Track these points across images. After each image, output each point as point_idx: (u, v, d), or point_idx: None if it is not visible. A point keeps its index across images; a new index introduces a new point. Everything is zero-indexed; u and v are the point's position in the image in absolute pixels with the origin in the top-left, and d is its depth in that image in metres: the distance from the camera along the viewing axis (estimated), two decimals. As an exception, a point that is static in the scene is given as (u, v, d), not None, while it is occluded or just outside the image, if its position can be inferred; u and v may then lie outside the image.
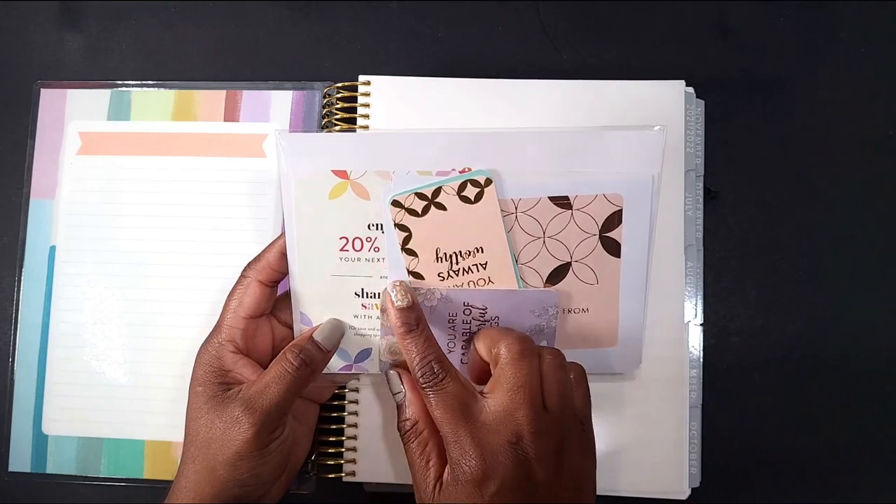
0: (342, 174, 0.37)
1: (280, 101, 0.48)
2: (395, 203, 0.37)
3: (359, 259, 0.39)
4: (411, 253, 0.38)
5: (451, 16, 0.50)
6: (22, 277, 0.48)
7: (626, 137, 0.36)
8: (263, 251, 0.40)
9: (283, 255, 0.39)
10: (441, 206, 0.37)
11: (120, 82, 0.49)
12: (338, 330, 0.39)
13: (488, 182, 0.37)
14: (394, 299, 0.37)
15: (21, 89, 0.50)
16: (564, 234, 0.38)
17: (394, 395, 0.38)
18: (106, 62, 0.51)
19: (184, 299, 0.47)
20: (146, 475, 0.46)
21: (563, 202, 0.37)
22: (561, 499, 0.34)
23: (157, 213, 0.48)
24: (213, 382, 0.37)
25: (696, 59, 0.49)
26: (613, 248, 0.38)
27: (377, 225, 0.38)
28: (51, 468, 0.47)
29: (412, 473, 0.36)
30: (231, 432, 0.36)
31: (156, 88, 0.49)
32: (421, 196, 0.37)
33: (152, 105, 0.49)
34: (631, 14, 0.49)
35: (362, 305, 0.40)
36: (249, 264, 0.39)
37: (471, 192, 0.37)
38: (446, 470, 0.34)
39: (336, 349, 0.39)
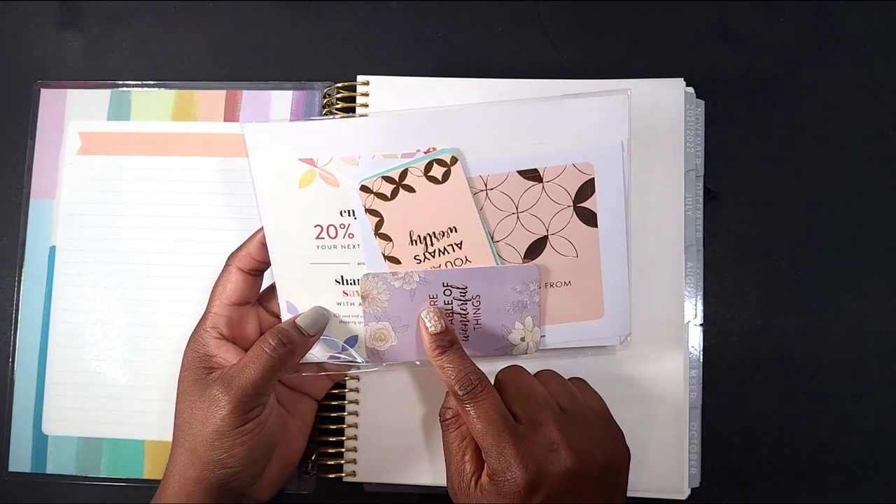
0: (309, 162, 0.38)
1: (280, 101, 0.48)
2: (364, 188, 0.37)
3: (335, 246, 0.39)
4: (385, 237, 0.38)
5: (451, 16, 0.50)
6: (22, 277, 0.48)
7: (589, 104, 0.36)
8: (245, 241, 0.40)
9: (264, 245, 0.39)
10: (409, 189, 0.37)
11: (120, 82, 0.50)
12: (322, 317, 0.40)
13: (454, 160, 0.37)
14: (427, 325, 0.38)
15: (21, 89, 0.50)
16: (538, 207, 0.38)
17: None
18: (106, 62, 0.51)
19: (184, 299, 0.47)
20: (146, 475, 0.46)
21: (532, 175, 0.37)
22: (599, 497, 0.35)
23: (157, 213, 0.48)
24: (198, 367, 0.38)
25: (696, 59, 0.49)
26: (589, 218, 0.38)
27: (349, 211, 0.38)
28: (51, 468, 0.47)
29: (447, 460, 0.37)
30: (209, 411, 0.36)
31: (156, 88, 0.49)
32: (388, 179, 0.37)
33: (152, 105, 0.49)
34: (631, 14, 0.49)
35: (344, 293, 0.40)
36: (233, 253, 0.40)
37: (437, 171, 0.37)
38: (485, 473, 0.35)
39: (320, 334, 0.40)
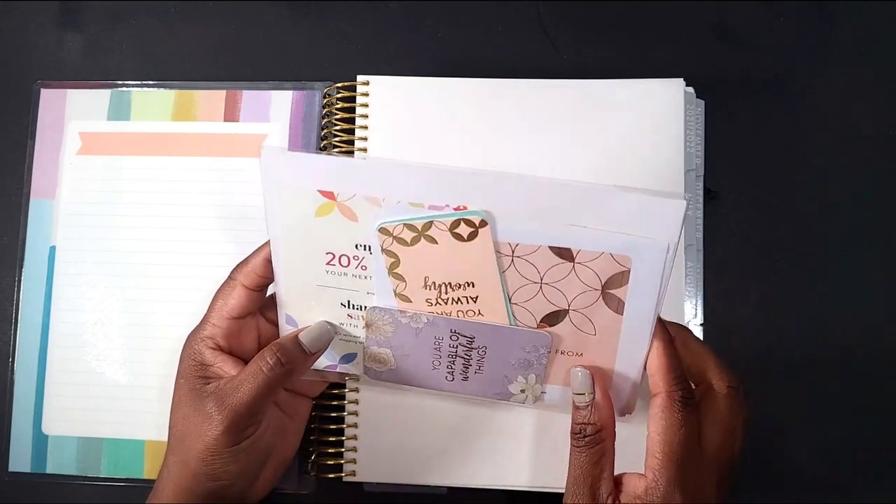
0: (329, 195, 0.35)
1: (280, 101, 0.48)
2: (383, 230, 0.35)
3: (345, 274, 0.38)
4: (399, 277, 0.37)
5: (451, 16, 0.50)
6: (22, 277, 0.48)
7: (641, 202, 0.32)
8: (250, 256, 0.39)
9: (269, 262, 0.38)
10: (432, 240, 0.35)
11: (120, 82, 0.50)
12: (326, 333, 0.39)
13: (483, 223, 0.34)
14: None
15: (21, 89, 0.50)
16: (564, 283, 0.35)
17: (576, 394, 0.36)
18: (106, 62, 0.51)
19: (184, 299, 0.47)
20: (146, 475, 0.46)
21: (564, 253, 0.34)
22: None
23: (157, 213, 0.48)
24: (195, 376, 0.38)
25: (696, 59, 0.49)
26: (617, 305, 0.35)
27: (365, 246, 0.36)
28: (51, 468, 0.47)
29: (576, 476, 0.35)
30: (203, 427, 0.36)
31: (156, 88, 0.49)
32: (410, 227, 0.35)
33: (152, 105, 0.49)
34: (631, 14, 0.49)
35: (348, 315, 0.39)
36: (238, 266, 0.39)
37: (464, 230, 0.34)
38: (632, 492, 0.34)
39: (322, 352, 0.39)
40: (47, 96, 0.50)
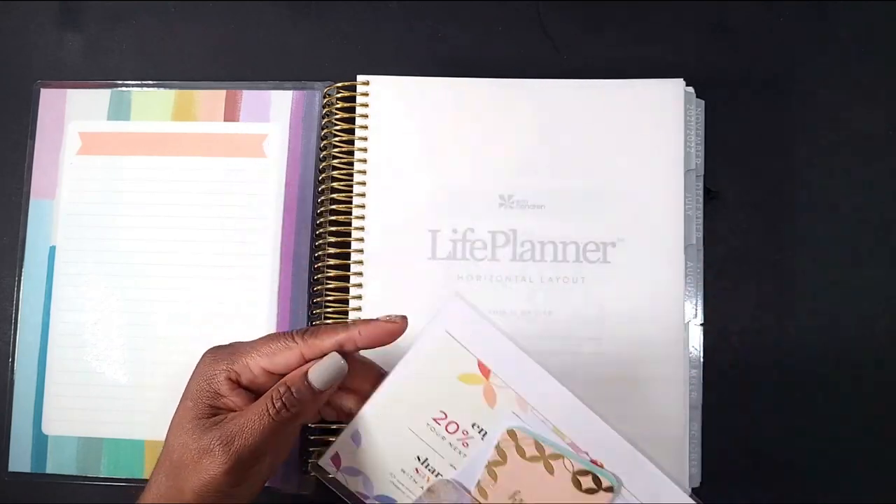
0: (485, 371, 0.35)
1: (280, 101, 0.48)
2: (512, 433, 0.35)
3: (443, 438, 0.36)
4: (492, 475, 0.36)
5: (451, 16, 0.50)
6: (22, 277, 0.48)
7: None
8: (323, 331, 0.37)
9: (339, 346, 0.36)
10: (550, 469, 0.35)
11: (120, 82, 0.50)
12: (336, 368, 0.36)
13: (609, 489, 0.34)
14: None
15: (21, 89, 0.50)
16: None
17: None
18: (106, 62, 0.51)
19: (184, 299, 0.47)
20: (146, 475, 0.46)
21: None
22: None
23: (157, 213, 0.48)
24: (202, 401, 0.36)
25: (696, 59, 0.49)
26: None
27: (482, 430, 0.36)
28: (51, 468, 0.47)
29: None
30: (203, 462, 0.34)
31: (156, 88, 0.49)
32: (539, 447, 0.35)
33: (152, 105, 0.49)
34: (631, 14, 0.49)
35: (416, 469, 0.37)
36: (306, 333, 0.37)
37: (586, 482, 0.34)
38: None
39: (332, 390, 0.37)
40: (47, 96, 0.50)
